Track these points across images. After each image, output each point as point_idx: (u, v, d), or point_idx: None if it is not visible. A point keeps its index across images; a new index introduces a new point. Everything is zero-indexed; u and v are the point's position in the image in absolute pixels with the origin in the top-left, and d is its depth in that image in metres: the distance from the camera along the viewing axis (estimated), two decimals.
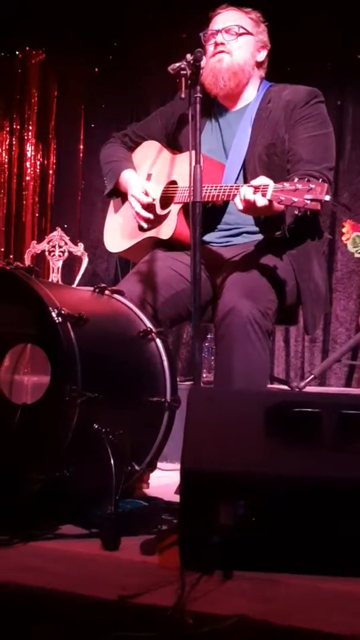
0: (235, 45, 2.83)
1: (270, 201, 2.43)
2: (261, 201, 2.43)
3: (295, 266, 2.76)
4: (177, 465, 1.84)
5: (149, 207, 2.85)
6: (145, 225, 2.87)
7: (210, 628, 1.40)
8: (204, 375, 3.96)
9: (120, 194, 3.04)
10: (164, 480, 2.77)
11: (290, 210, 2.48)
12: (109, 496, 2.07)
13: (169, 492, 2.49)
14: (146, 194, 2.84)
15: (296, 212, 2.43)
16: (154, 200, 2.85)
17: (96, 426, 2.16)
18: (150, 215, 2.85)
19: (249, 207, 2.47)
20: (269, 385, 4.02)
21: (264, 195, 2.42)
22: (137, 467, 2.35)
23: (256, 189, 2.45)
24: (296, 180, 2.39)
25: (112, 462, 2.11)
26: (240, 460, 1.81)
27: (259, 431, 1.84)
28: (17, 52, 5.83)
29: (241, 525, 1.76)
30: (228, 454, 1.82)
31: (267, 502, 1.77)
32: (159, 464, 2.55)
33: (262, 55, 2.91)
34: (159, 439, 2.44)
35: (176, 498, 2.14)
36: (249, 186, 2.49)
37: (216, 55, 2.83)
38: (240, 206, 2.50)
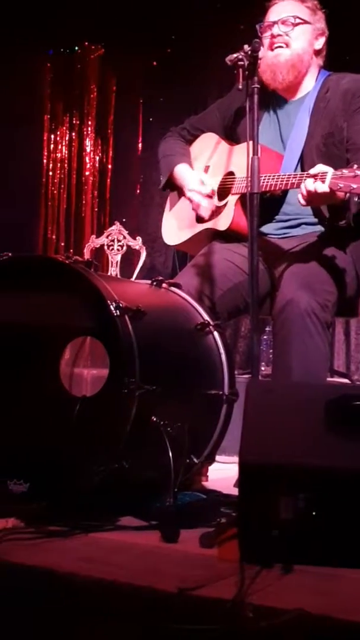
0: (292, 36, 2.80)
1: (330, 189, 2.41)
2: (321, 188, 2.42)
3: (355, 257, 2.73)
4: (236, 458, 1.83)
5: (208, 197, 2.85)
6: (207, 216, 2.86)
7: (270, 622, 1.39)
8: (262, 368, 3.94)
9: (174, 187, 3.05)
10: (223, 473, 2.77)
11: (353, 199, 2.45)
12: (168, 488, 2.07)
13: (227, 485, 2.49)
14: (202, 183, 2.84)
15: (356, 199, 2.41)
16: (212, 190, 2.85)
17: (154, 419, 2.17)
18: (210, 205, 2.84)
19: (311, 196, 2.46)
20: (329, 378, 3.98)
21: (322, 182, 2.41)
22: (195, 460, 2.35)
23: (314, 177, 2.44)
24: (355, 167, 2.37)
25: (170, 454, 2.12)
26: (300, 453, 1.79)
27: (319, 424, 1.83)
28: (76, 48, 5.87)
29: (301, 519, 1.74)
30: (287, 447, 1.80)
31: (327, 495, 1.75)
32: (217, 457, 2.55)
33: (320, 43, 2.88)
34: (217, 432, 2.44)
35: (235, 491, 2.13)
36: (307, 175, 2.47)
37: (274, 50, 2.80)
38: (303, 201, 2.50)
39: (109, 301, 2.16)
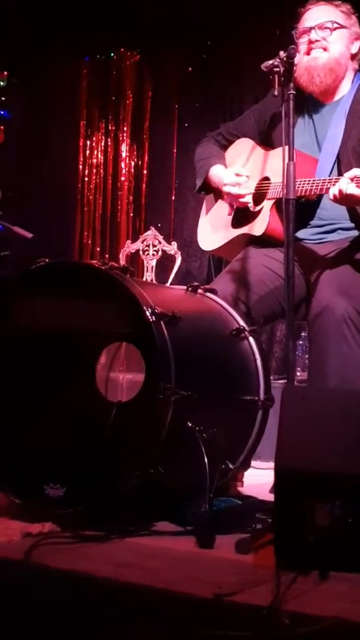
0: (330, 40, 2.80)
1: None
2: (356, 191, 2.42)
3: None
4: (271, 464, 1.83)
5: (239, 212, 2.86)
6: (251, 203, 2.85)
7: (307, 629, 1.38)
8: (298, 374, 3.92)
9: (210, 190, 3.05)
10: (258, 479, 2.76)
11: None
12: (204, 494, 2.07)
13: (263, 491, 2.48)
14: (238, 175, 2.84)
15: None
16: (247, 176, 2.84)
17: (190, 424, 2.17)
18: (248, 193, 2.83)
19: (343, 198, 2.47)
20: None
21: (358, 186, 2.41)
22: (231, 466, 2.35)
23: (351, 180, 2.44)
24: None
25: (206, 460, 2.12)
26: (336, 460, 1.78)
27: (355, 430, 1.81)
28: (112, 54, 5.91)
29: (337, 526, 1.73)
30: (323, 453, 1.79)
31: None
32: (252, 463, 2.54)
33: (355, 47, 2.88)
34: (252, 438, 2.44)
35: (270, 497, 2.13)
36: (343, 178, 2.48)
37: (311, 53, 2.80)
38: (332, 196, 2.50)
39: (144, 307, 2.17)
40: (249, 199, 2.86)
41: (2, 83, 6.22)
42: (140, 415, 2.15)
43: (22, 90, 6.20)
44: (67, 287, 2.34)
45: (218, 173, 2.96)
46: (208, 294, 2.59)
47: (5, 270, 5.99)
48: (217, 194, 3.03)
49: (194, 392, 2.16)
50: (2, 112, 6.24)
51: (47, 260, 2.37)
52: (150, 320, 2.16)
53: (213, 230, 3.08)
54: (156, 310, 2.17)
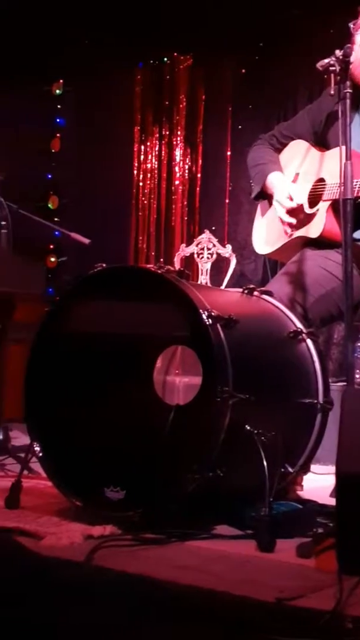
0: None
1: None
2: None
3: None
4: (330, 468, 1.81)
5: (293, 212, 2.83)
6: (289, 230, 2.86)
7: None
8: (357, 376, 3.87)
9: (267, 197, 3.04)
10: (317, 483, 2.74)
11: None
12: (263, 498, 2.06)
13: (323, 495, 2.46)
14: (290, 198, 2.82)
15: None
16: (298, 205, 2.82)
17: (248, 427, 2.17)
18: (293, 220, 2.83)
19: None
20: None
21: None
22: (290, 469, 2.33)
23: None
24: None
25: (265, 463, 2.11)
26: None
27: None
28: (165, 59, 5.93)
29: None
30: None
31: None
32: (311, 467, 2.52)
33: None
34: (312, 441, 2.42)
35: (331, 501, 2.11)
36: None
37: None
38: None
39: (201, 310, 2.17)
40: (287, 229, 2.84)
41: (58, 91, 6.31)
42: (198, 419, 2.15)
43: (77, 98, 6.28)
44: (124, 292, 2.36)
45: (274, 183, 2.94)
46: (264, 296, 2.58)
47: (64, 275, 6.07)
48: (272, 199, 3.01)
49: (251, 395, 2.15)
50: (58, 120, 6.32)
51: (104, 265, 2.39)
52: (207, 323, 2.16)
53: (268, 233, 3.06)
54: (212, 313, 2.17)
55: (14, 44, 5.70)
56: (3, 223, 3.20)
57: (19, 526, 2.09)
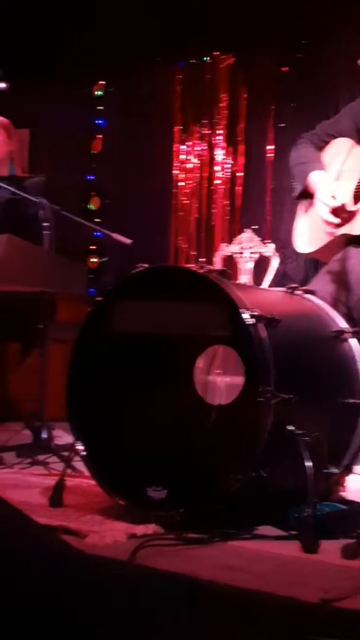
0: None
1: None
2: None
3: None
4: None
5: (336, 211, 2.81)
6: (332, 229, 2.84)
7: None
8: None
9: (309, 196, 3.02)
10: None
11: None
12: (307, 498, 2.05)
13: None
14: (333, 197, 2.80)
15: None
16: (341, 204, 2.80)
17: (291, 428, 2.15)
18: (336, 220, 2.80)
19: None
20: None
21: None
22: (334, 470, 2.31)
23: None
24: None
25: (308, 464, 2.09)
26: None
27: None
28: (206, 58, 5.93)
29: None
30: None
31: None
32: (354, 468, 2.50)
33: None
34: (355, 442, 2.39)
35: None
36: None
37: None
38: None
39: (243, 309, 2.17)
40: (327, 228, 2.82)
41: (98, 93, 6.34)
42: (241, 419, 2.14)
43: (117, 99, 6.31)
44: (165, 292, 2.36)
45: (317, 182, 2.92)
46: (307, 296, 2.57)
47: (105, 276, 6.10)
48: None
49: (294, 395, 2.14)
50: (99, 121, 6.36)
51: (145, 265, 2.40)
52: (249, 322, 2.15)
53: (310, 232, 3.04)
54: (255, 313, 2.16)
55: (55, 46, 5.75)
56: (46, 224, 3.23)
57: (62, 524, 2.11)
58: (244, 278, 5.20)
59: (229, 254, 5.35)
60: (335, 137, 3.04)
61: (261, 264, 5.31)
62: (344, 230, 2.85)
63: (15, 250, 2.79)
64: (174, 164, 6.05)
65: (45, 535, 1.35)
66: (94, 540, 1.98)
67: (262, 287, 4.47)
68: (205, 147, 5.95)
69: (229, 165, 5.88)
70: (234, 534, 2.06)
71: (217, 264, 5.28)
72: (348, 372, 2.43)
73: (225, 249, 5.37)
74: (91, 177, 6.37)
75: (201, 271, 2.30)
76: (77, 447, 2.38)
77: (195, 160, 6.00)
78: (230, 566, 1.78)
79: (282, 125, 5.62)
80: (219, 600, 1.56)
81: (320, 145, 3.09)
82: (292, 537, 2.04)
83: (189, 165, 6.02)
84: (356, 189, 2.83)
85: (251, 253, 5.25)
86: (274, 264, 5.22)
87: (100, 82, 6.34)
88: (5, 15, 5.59)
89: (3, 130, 3.62)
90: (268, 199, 5.70)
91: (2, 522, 1.29)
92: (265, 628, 1.49)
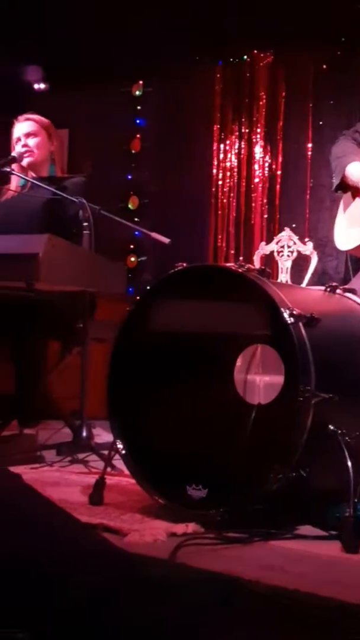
0: None
1: None
2: None
3: None
4: None
5: None
6: None
7: None
8: None
9: (347, 188, 3.00)
10: None
11: None
12: (347, 498, 2.03)
13: None
14: None
15: None
16: None
17: (332, 427, 2.14)
18: None
19: None
20: None
21: None
22: None
23: None
24: None
25: (349, 463, 2.08)
26: None
27: None
28: (245, 57, 5.92)
29: None
30: None
31: None
32: None
33: None
34: None
35: None
36: None
37: None
38: None
39: (282, 308, 2.16)
40: None
41: (138, 92, 6.37)
42: (280, 418, 2.14)
43: (157, 98, 6.32)
44: (204, 291, 2.36)
45: (355, 171, 2.90)
46: (347, 294, 2.54)
47: (144, 275, 6.12)
48: (355, 192, 2.97)
49: (335, 395, 2.12)
50: (138, 121, 6.38)
51: (184, 264, 2.40)
52: (288, 322, 2.14)
53: (350, 228, 3.02)
54: (294, 312, 2.15)
55: (94, 47, 5.78)
56: (85, 224, 3.25)
57: (103, 522, 2.12)
58: (283, 277, 5.18)
59: (268, 252, 5.33)
60: None
61: (301, 263, 5.29)
62: None
63: (56, 249, 2.81)
64: (213, 163, 6.04)
65: (87, 533, 1.36)
66: (134, 538, 1.99)
67: (301, 285, 4.45)
68: (244, 146, 5.94)
69: (268, 164, 5.86)
70: (274, 533, 2.05)
71: (256, 262, 5.27)
72: None
73: (264, 248, 5.36)
74: (130, 177, 6.40)
75: (240, 270, 2.29)
76: (117, 446, 2.39)
77: (234, 159, 5.99)
78: (271, 566, 1.77)
79: (320, 123, 5.59)
80: (260, 600, 1.56)
81: None
82: (333, 537, 2.03)
83: (227, 164, 6.02)
84: None
85: (290, 251, 5.23)
86: (313, 262, 5.19)
87: (140, 82, 6.36)
88: (45, 16, 5.63)
89: (44, 131, 3.64)
90: (307, 197, 5.67)
91: (45, 521, 1.31)
92: (306, 629, 1.48)
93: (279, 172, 5.82)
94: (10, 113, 3.75)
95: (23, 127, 3.63)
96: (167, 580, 1.37)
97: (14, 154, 3.55)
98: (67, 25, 5.80)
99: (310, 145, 5.66)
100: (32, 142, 3.61)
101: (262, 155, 5.88)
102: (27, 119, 3.65)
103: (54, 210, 3.47)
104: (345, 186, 3.00)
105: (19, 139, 3.62)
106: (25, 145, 3.60)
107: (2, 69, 5.83)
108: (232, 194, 6.00)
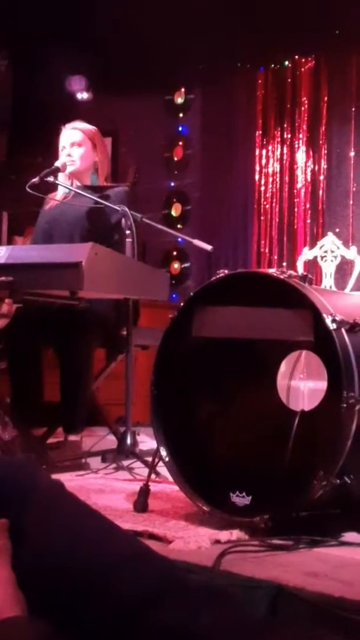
0: None
1: None
2: None
3: None
4: None
5: None
6: None
7: None
8: None
9: None
10: None
11: None
12: None
13: None
14: None
15: None
16: None
17: None
18: None
19: None
20: None
21: None
22: None
23: None
24: None
25: None
26: None
27: None
28: (286, 63, 5.91)
29: None
30: None
31: None
32: None
33: None
34: None
35: None
36: None
37: None
38: None
39: (324, 315, 2.15)
40: None
41: (180, 100, 6.40)
42: (324, 425, 2.13)
43: (199, 105, 6.35)
44: (247, 297, 2.36)
45: None
46: None
47: (187, 282, 6.14)
48: None
49: None
50: (180, 128, 6.41)
51: (226, 271, 2.40)
52: (331, 328, 2.13)
53: None
54: (337, 318, 2.14)
55: (137, 55, 5.83)
56: (128, 232, 3.28)
57: (147, 529, 2.13)
58: (327, 282, 5.15)
59: (312, 257, 5.31)
60: None
61: (344, 268, 5.26)
62: None
63: (99, 258, 2.83)
64: (255, 169, 6.04)
65: (131, 540, 1.37)
66: (178, 546, 2.00)
67: (345, 291, 4.42)
68: (287, 151, 5.92)
69: (310, 169, 5.83)
70: (319, 540, 2.04)
71: (300, 268, 5.25)
72: None
73: (307, 253, 5.34)
74: (173, 184, 6.43)
75: (282, 276, 2.29)
76: (161, 453, 2.40)
77: (277, 165, 5.98)
78: (316, 573, 1.76)
79: None
80: (305, 607, 1.55)
81: None
82: None
83: (270, 170, 6.01)
84: None
85: (334, 256, 5.20)
86: (357, 266, 5.15)
87: (182, 89, 6.40)
88: (86, 27, 5.70)
89: (89, 141, 3.68)
90: (350, 202, 5.64)
91: (89, 528, 1.32)
92: (352, 637, 1.47)
93: (321, 177, 5.80)
94: (61, 121, 3.79)
95: (69, 136, 3.67)
96: (212, 587, 1.37)
97: (57, 163, 3.59)
98: (110, 34, 5.86)
99: (353, 149, 5.63)
100: (76, 152, 3.65)
101: (304, 160, 5.86)
102: (74, 128, 3.69)
103: (96, 219, 3.50)
104: None
105: (63, 147, 3.67)
106: (69, 155, 3.63)
107: (51, 77, 5.93)
108: (274, 200, 5.99)
